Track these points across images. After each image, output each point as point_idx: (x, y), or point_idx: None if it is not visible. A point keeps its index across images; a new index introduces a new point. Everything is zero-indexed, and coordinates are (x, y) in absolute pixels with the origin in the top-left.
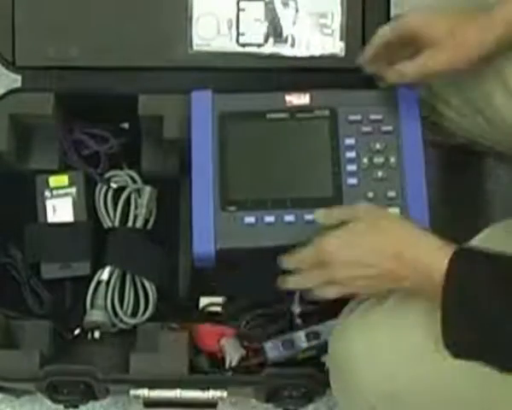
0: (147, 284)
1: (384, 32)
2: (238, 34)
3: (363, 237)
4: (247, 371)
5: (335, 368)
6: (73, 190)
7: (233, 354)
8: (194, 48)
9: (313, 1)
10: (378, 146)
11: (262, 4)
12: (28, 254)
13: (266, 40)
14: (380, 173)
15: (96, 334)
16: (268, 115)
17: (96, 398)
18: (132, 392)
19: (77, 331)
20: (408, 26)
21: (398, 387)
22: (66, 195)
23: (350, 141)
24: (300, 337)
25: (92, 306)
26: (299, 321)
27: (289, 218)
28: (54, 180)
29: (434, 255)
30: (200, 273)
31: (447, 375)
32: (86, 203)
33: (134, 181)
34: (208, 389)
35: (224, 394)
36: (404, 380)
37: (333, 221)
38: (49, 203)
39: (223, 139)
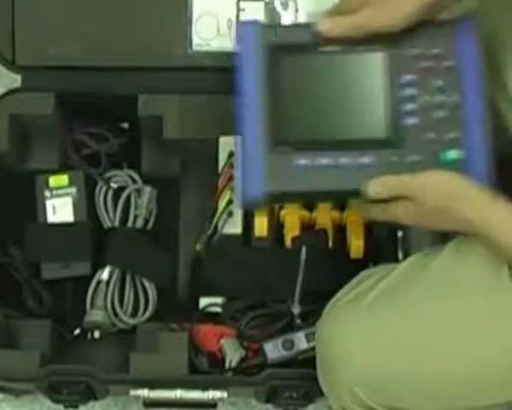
0: (147, 284)
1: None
2: None
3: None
4: (246, 371)
5: (322, 352)
6: (73, 190)
7: (233, 354)
8: (194, 48)
9: (313, 1)
10: (439, 83)
11: (262, 4)
12: (28, 254)
13: None
14: (440, 113)
15: (96, 334)
16: (320, 49)
17: (96, 398)
18: (132, 392)
19: (77, 331)
20: None
21: (382, 375)
22: (66, 195)
23: (409, 77)
24: (300, 338)
25: (92, 306)
26: (299, 321)
27: (343, 160)
28: (54, 180)
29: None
30: (201, 273)
31: (437, 369)
32: (86, 203)
33: (134, 181)
34: (208, 389)
35: (224, 394)
36: (389, 368)
37: (391, 194)
38: (49, 203)
39: (272, 74)
